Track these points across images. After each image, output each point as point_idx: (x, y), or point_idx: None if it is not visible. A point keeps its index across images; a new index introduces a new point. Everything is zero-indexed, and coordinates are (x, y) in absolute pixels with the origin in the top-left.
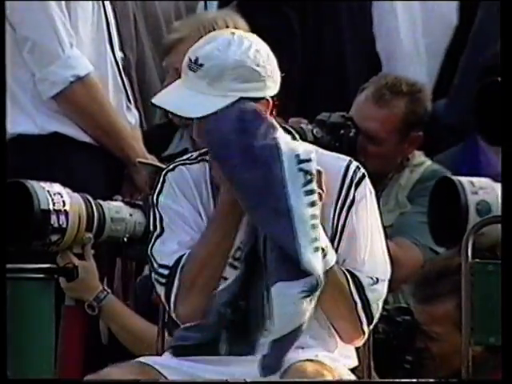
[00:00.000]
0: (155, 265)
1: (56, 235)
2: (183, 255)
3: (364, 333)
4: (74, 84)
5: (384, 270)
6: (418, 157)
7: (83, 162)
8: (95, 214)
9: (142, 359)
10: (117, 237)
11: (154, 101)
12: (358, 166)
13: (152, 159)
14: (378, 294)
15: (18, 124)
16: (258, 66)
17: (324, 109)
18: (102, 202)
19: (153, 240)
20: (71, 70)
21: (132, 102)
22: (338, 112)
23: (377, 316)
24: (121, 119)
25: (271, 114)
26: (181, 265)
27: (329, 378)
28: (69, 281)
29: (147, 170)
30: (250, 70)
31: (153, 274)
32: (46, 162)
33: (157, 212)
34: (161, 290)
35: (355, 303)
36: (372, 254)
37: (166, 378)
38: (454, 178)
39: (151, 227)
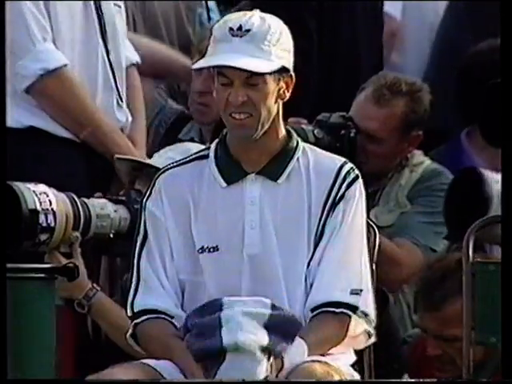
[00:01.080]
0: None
1: (45, 234)
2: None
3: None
4: (45, 77)
5: (358, 281)
6: (418, 156)
7: (61, 157)
8: (81, 212)
9: (143, 360)
10: (103, 233)
11: (199, 65)
12: (352, 168)
13: (143, 157)
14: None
15: None
16: (289, 39)
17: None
18: (85, 199)
19: (137, 248)
20: (41, 63)
21: (124, 101)
22: (338, 112)
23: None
24: (102, 115)
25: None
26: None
27: (336, 378)
28: (69, 280)
29: (126, 165)
30: (286, 41)
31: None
32: (20, 156)
33: (142, 216)
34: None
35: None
36: (348, 263)
37: (165, 378)
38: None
39: (136, 230)
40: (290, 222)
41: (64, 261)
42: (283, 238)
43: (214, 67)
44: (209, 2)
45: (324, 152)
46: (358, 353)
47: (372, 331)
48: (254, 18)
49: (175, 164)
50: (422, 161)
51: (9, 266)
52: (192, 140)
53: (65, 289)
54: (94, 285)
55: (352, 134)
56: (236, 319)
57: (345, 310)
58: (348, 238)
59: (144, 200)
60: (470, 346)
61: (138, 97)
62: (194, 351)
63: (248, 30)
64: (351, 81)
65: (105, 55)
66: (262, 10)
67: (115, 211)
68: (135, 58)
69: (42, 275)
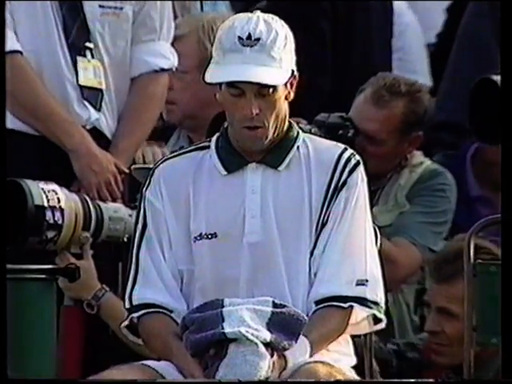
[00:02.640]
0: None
1: (52, 232)
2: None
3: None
4: None
5: (363, 270)
6: (418, 157)
7: (14, 149)
8: (92, 212)
9: (144, 362)
10: (116, 236)
11: (217, 79)
12: (352, 153)
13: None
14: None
15: None
16: (291, 38)
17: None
18: (99, 202)
19: (137, 238)
20: None
21: (100, 103)
22: (337, 113)
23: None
24: (56, 104)
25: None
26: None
27: (340, 378)
28: (71, 281)
29: (143, 174)
30: (290, 41)
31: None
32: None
33: (142, 206)
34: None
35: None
36: (352, 252)
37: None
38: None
39: (134, 218)
40: (291, 210)
41: (74, 261)
42: (284, 227)
43: (232, 82)
44: (204, 2)
45: (324, 140)
46: (359, 354)
47: (383, 317)
48: (260, 24)
49: (175, 154)
50: (421, 161)
51: (9, 266)
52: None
53: (74, 289)
54: (104, 285)
55: (350, 134)
56: (239, 314)
57: (353, 304)
58: (351, 226)
59: (143, 190)
60: (471, 346)
61: (146, 107)
62: (193, 343)
63: (258, 39)
64: (364, 82)
65: (66, 52)
66: (275, 12)
67: (130, 215)
68: (159, 64)
69: (43, 276)
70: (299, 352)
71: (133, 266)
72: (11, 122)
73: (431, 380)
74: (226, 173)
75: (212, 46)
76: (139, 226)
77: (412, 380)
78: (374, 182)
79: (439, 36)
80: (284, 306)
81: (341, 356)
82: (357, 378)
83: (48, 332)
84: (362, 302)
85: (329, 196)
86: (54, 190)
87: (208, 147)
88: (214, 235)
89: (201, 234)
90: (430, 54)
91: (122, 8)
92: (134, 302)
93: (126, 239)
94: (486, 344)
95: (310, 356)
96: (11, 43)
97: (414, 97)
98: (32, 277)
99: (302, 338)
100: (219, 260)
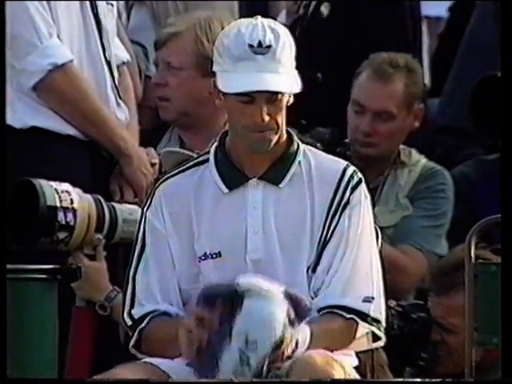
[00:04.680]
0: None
1: (64, 232)
2: (151, 314)
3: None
4: (54, 72)
5: (370, 288)
6: (414, 155)
7: (64, 155)
8: (106, 214)
9: (147, 359)
10: (130, 238)
11: (235, 89)
12: (355, 171)
13: (149, 152)
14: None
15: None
16: (292, 41)
17: None
18: (114, 203)
19: (135, 259)
20: (48, 58)
21: (123, 99)
22: (333, 128)
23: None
24: (108, 111)
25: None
26: (143, 327)
27: (338, 368)
28: (71, 281)
29: (174, 158)
30: (293, 45)
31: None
32: (24, 156)
33: (142, 225)
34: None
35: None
36: (359, 270)
37: (169, 377)
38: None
39: (134, 236)
40: (292, 227)
41: (86, 262)
42: (286, 243)
43: (255, 92)
44: None
45: (325, 154)
46: (360, 356)
47: (382, 335)
48: (268, 30)
49: (174, 172)
50: (418, 159)
51: (10, 266)
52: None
53: (86, 290)
54: (116, 287)
55: (348, 153)
56: (255, 280)
57: (354, 317)
58: (357, 244)
59: (144, 209)
60: (472, 346)
61: (130, 96)
62: (206, 289)
63: (269, 46)
64: None
65: (101, 54)
66: None
67: None
68: (126, 56)
69: (44, 276)
70: (301, 338)
71: (129, 288)
72: (65, 128)
73: (431, 380)
74: (227, 190)
75: (209, 43)
76: (138, 246)
77: (412, 380)
78: (372, 180)
79: (441, 36)
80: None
81: (341, 355)
82: (357, 376)
83: (49, 332)
84: (364, 317)
85: (331, 214)
86: (67, 191)
87: (207, 160)
88: (219, 254)
89: (205, 253)
90: (431, 54)
91: (112, 5)
92: (136, 316)
93: None
94: (486, 344)
95: (307, 348)
96: (65, 52)
97: (412, 68)
98: (33, 277)
99: (303, 324)
100: (225, 278)
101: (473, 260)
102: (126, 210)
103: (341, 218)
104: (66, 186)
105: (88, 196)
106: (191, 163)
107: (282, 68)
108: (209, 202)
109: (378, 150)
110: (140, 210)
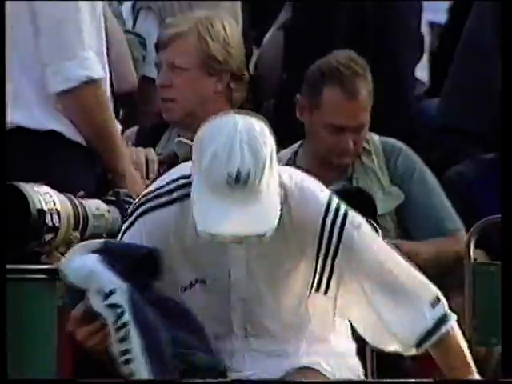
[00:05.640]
0: None
1: (50, 234)
2: None
3: None
4: (86, 85)
5: (427, 292)
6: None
7: (76, 161)
8: (80, 212)
9: None
10: (99, 233)
11: (212, 231)
12: (337, 208)
13: (148, 153)
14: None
15: (15, 116)
16: (272, 141)
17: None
18: (81, 199)
19: None
20: (86, 70)
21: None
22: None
23: None
24: (117, 128)
25: None
26: None
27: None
28: None
29: (185, 150)
30: (275, 159)
31: None
32: (39, 159)
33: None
34: None
35: None
36: (407, 292)
37: None
38: None
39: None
40: (278, 269)
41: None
42: (273, 285)
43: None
44: None
45: (305, 187)
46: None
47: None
48: (246, 156)
49: (157, 204)
50: (372, 139)
51: (9, 266)
52: (175, 155)
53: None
54: None
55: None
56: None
57: (442, 326)
58: (385, 264)
59: (124, 228)
60: (472, 346)
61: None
62: None
63: (246, 181)
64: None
65: (107, 68)
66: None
67: (108, 211)
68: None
69: (43, 276)
70: None
71: None
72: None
73: (431, 380)
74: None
75: (213, 41)
76: None
77: (412, 380)
78: (341, 175)
79: (440, 36)
80: None
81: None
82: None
83: (48, 332)
84: (445, 318)
85: (321, 256)
86: (47, 193)
87: (190, 184)
88: (203, 282)
89: (191, 282)
90: (430, 54)
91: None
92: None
93: (105, 235)
94: (485, 344)
95: None
96: (100, 68)
97: (364, 68)
98: (32, 277)
99: None
100: (211, 300)
101: (472, 260)
102: (93, 205)
103: (336, 267)
104: (45, 188)
105: (62, 195)
106: (175, 196)
107: (259, 197)
108: (191, 234)
109: (354, 157)
110: (102, 203)
